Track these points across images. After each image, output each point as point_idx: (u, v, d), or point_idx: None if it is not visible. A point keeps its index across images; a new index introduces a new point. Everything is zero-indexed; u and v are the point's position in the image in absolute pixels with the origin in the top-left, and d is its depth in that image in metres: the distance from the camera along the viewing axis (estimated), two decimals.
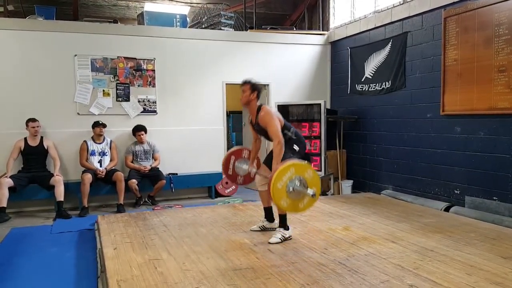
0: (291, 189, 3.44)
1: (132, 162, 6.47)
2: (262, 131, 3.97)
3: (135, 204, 6.36)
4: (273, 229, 4.15)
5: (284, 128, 3.88)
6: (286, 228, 3.91)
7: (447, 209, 5.21)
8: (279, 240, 3.80)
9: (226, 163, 4.38)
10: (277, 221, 4.13)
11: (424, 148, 5.87)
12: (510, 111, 4.65)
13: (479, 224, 4.42)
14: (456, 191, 5.39)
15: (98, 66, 6.51)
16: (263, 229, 4.22)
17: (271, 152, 3.95)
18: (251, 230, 4.24)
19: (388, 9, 6.64)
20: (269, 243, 3.76)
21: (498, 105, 4.79)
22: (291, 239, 3.89)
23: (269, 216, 4.23)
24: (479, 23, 4.98)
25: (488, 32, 4.86)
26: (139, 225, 4.52)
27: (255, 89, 3.89)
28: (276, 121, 3.80)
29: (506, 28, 4.65)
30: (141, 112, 6.76)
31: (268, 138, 3.94)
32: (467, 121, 5.23)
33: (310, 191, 3.48)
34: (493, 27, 4.80)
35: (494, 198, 4.88)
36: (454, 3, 5.34)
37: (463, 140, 5.28)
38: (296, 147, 3.89)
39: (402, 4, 6.37)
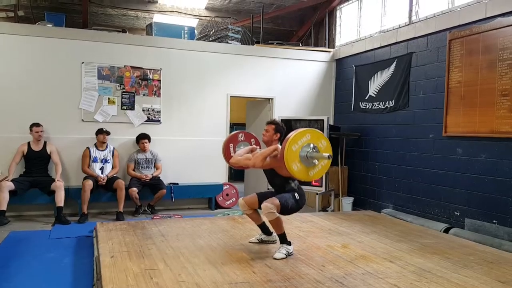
0: (305, 154, 3.58)
1: (133, 170, 6.48)
2: (271, 174, 3.94)
3: (135, 213, 6.36)
4: (271, 242, 4.18)
5: (289, 178, 3.87)
6: (288, 243, 3.91)
7: (446, 231, 5.19)
8: (284, 256, 3.79)
9: (227, 153, 4.44)
10: (274, 234, 4.13)
11: (426, 168, 5.87)
12: None
13: (478, 247, 4.39)
14: (456, 213, 5.37)
15: (104, 74, 6.57)
16: (261, 242, 4.23)
17: (272, 193, 3.95)
18: (249, 242, 4.25)
19: (393, 29, 6.71)
20: (274, 258, 3.75)
21: (500, 129, 4.80)
22: (292, 254, 3.89)
23: (265, 230, 4.24)
24: (484, 47, 5.02)
25: (492, 56, 4.90)
26: (137, 234, 4.52)
27: (278, 131, 3.93)
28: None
29: (510, 53, 4.69)
30: (145, 121, 6.81)
31: (277, 185, 3.94)
32: (469, 143, 5.24)
33: (325, 154, 3.63)
34: (497, 51, 4.84)
35: (494, 221, 4.86)
36: (459, 26, 5.39)
37: (465, 162, 5.28)
38: (297, 196, 3.88)
39: (408, 25, 6.44)
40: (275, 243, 4.12)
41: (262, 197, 3.93)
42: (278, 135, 3.92)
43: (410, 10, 6.46)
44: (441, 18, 5.76)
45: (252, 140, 4.64)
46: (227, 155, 4.49)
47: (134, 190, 6.17)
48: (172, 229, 4.77)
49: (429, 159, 5.82)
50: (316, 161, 3.70)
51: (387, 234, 4.83)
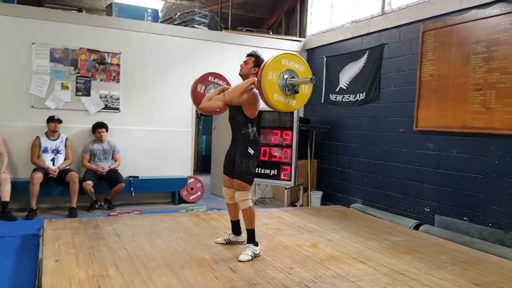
0: (284, 82, 3.38)
1: (89, 162, 6.03)
2: (236, 111, 3.68)
3: (90, 208, 5.93)
4: (239, 243, 3.90)
5: (252, 120, 3.66)
6: (256, 243, 3.64)
7: (416, 227, 5.07)
8: (250, 258, 3.51)
9: (196, 96, 4.19)
10: (244, 234, 3.88)
11: (396, 163, 5.73)
12: (485, 131, 4.53)
13: (450, 246, 4.27)
14: (426, 209, 5.26)
15: (57, 57, 6.05)
16: (228, 242, 3.94)
17: (232, 159, 3.71)
18: (215, 243, 3.94)
19: (366, 19, 6.51)
20: (240, 260, 3.47)
21: (473, 124, 4.67)
22: (259, 256, 3.61)
23: (236, 229, 3.96)
24: (458, 40, 4.88)
25: (466, 49, 4.75)
26: (88, 233, 4.12)
27: (258, 65, 3.60)
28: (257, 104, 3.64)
29: (485, 46, 4.55)
30: (102, 109, 6.33)
31: (236, 121, 3.70)
32: (440, 138, 5.11)
33: (307, 78, 3.44)
34: (471, 44, 4.69)
35: (465, 218, 4.76)
36: (433, 17, 5.23)
37: (436, 157, 5.16)
38: (251, 151, 3.63)
39: (381, 15, 6.25)
40: (243, 244, 3.82)
41: (229, 171, 3.77)
42: (257, 69, 3.60)
43: (383, 0, 6.26)
44: (414, 9, 5.59)
45: (224, 82, 4.35)
46: (196, 98, 4.18)
47: (89, 184, 5.73)
48: (128, 227, 4.39)
49: (399, 153, 5.68)
50: (297, 88, 3.46)
51: (357, 231, 4.66)
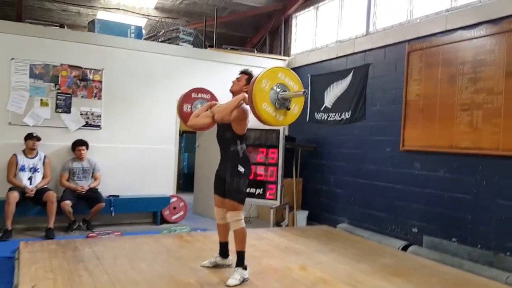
0: (276, 96, 3.32)
1: (68, 180, 5.82)
2: (225, 128, 3.59)
3: (68, 229, 5.67)
4: (226, 266, 3.76)
5: (241, 137, 3.57)
6: (244, 267, 3.50)
7: (404, 248, 5.01)
8: (238, 282, 3.37)
9: (183, 115, 4.14)
10: (231, 257, 3.74)
11: (382, 183, 5.69)
12: (472, 151, 4.54)
13: (440, 268, 4.22)
14: (413, 230, 5.21)
15: (37, 73, 5.87)
16: (215, 266, 3.78)
17: (222, 178, 3.61)
18: (201, 266, 3.78)
19: (350, 39, 6.55)
20: (227, 285, 3.32)
21: (459, 144, 4.68)
22: (248, 280, 3.47)
23: (224, 251, 3.81)
24: (444, 60, 4.92)
25: (452, 70, 4.79)
26: (67, 256, 3.91)
27: (249, 83, 3.51)
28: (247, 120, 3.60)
29: (471, 67, 4.59)
30: (83, 126, 6.15)
31: (224, 138, 3.61)
32: (427, 158, 5.10)
33: (300, 91, 3.38)
34: (458, 65, 4.73)
35: (453, 239, 4.72)
36: (418, 38, 5.27)
37: (423, 177, 5.13)
38: (241, 169, 3.53)
39: (365, 35, 6.30)
40: (231, 267, 3.68)
41: (220, 190, 3.66)
42: (248, 86, 3.51)
43: (368, 21, 6.32)
44: (399, 29, 5.65)
45: (208, 95, 4.29)
46: (184, 118, 4.13)
47: (67, 204, 5.50)
48: (109, 250, 4.19)
49: (386, 173, 5.64)
50: (288, 105, 3.38)
51: (346, 253, 4.56)
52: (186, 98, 4.23)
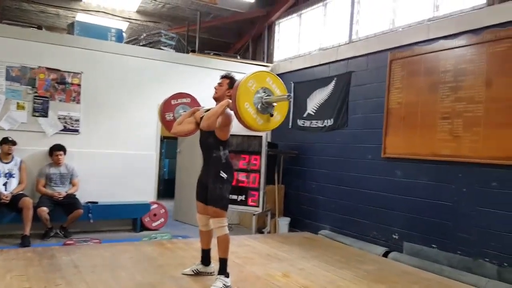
0: (261, 100, 3.27)
1: (44, 186, 5.66)
2: (208, 133, 3.54)
3: (44, 236, 5.52)
4: (208, 274, 3.69)
5: (224, 143, 3.54)
6: (227, 275, 3.44)
7: (385, 255, 5.03)
8: None
9: (166, 124, 4.07)
10: (213, 264, 3.69)
11: (364, 190, 5.71)
12: (453, 159, 4.60)
13: (421, 274, 4.24)
14: (394, 236, 5.24)
15: (14, 75, 5.71)
16: (197, 273, 3.71)
17: (204, 185, 3.55)
18: (182, 274, 3.70)
19: (333, 47, 6.59)
20: None
21: (441, 152, 4.73)
22: None
23: (206, 259, 3.75)
24: (425, 69, 4.99)
25: (434, 78, 4.86)
26: (43, 264, 3.78)
27: (231, 87, 3.45)
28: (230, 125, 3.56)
29: (452, 76, 4.66)
30: (61, 131, 6.00)
31: (207, 144, 3.56)
32: (408, 165, 5.14)
33: (284, 95, 3.33)
34: (439, 74, 4.80)
35: (433, 246, 4.76)
36: (400, 46, 5.34)
37: (404, 184, 5.18)
38: (223, 175, 3.49)
39: (348, 43, 6.35)
40: (213, 275, 3.62)
41: (202, 197, 3.59)
42: (230, 91, 3.46)
43: (351, 29, 6.38)
44: (382, 38, 5.71)
45: (188, 99, 4.24)
46: (167, 126, 4.07)
47: (44, 210, 5.35)
48: (87, 258, 4.07)
49: (367, 180, 5.67)
50: (271, 110, 3.34)
51: (328, 260, 4.54)
52: (167, 106, 4.16)
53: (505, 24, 4.20)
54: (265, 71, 3.51)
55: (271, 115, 3.38)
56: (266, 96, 3.32)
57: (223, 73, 3.75)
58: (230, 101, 3.34)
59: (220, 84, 3.59)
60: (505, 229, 4.13)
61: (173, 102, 4.20)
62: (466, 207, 4.47)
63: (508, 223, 4.10)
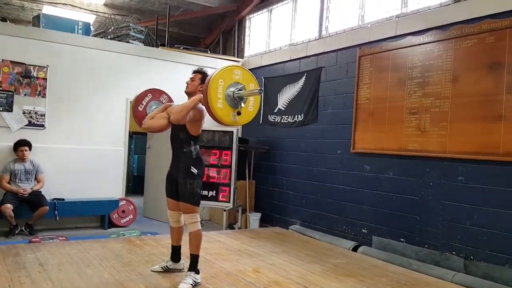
0: (232, 94, 3.29)
1: (9, 183, 5.51)
2: (179, 128, 3.50)
3: (9, 233, 5.38)
4: (178, 271, 3.66)
5: (195, 138, 3.51)
6: (197, 271, 3.42)
7: (355, 249, 5.11)
8: (190, 286, 3.28)
9: (138, 117, 4.07)
10: (183, 261, 3.66)
11: (333, 185, 5.78)
12: (420, 153, 4.70)
13: (389, 268, 4.31)
14: (363, 230, 5.33)
15: None
16: (166, 270, 3.67)
17: (174, 181, 3.51)
18: (152, 271, 3.66)
19: (303, 43, 6.62)
20: None
21: (408, 147, 4.83)
22: (200, 284, 3.39)
23: (175, 256, 3.70)
24: (393, 65, 5.07)
25: (402, 74, 4.95)
26: (7, 262, 3.66)
27: (203, 82, 3.42)
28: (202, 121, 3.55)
29: (419, 72, 4.76)
30: (26, 125, 5.83)
31: (178, 138, 3.52)
32: (377, 160, 5.23)
33: (255, 90, 3.37)
34: (407, 70, 4.90)
35: (402, 239, 4.86)
36: (369, 42, 5.41)
37: (372, 179, 5.27)
38: (194, 170, 3.46)
39: (318, 39, 6.39)
40: (182, 271, 3.59)
41: (172, 193, 3.57)
42: (202, 86, 3.43)
43: (321, 25, 6.42)
44: (351, 34, 5.77)
45: (163, 96, 4.23)
46: (137, 117, 4.07)
47: (9, 207, 5.22)
48: (53, 255, 3.96)
49: (337, 175, 5.74)
50: (242, 104, 3.36)
51: (298, 254, 4.58)
52: (139, 99, 4.14)
53: (472, 20, 4.30)
54: (235, 66, 3.53)
55: (239, 114, 3.36)
56: (238, 90, 3.31)
57: (193, 67, 3.71)
58: (202, 96, 3.31)
59: (192, 79, 3.55)
60: (471, 222, 4.24)
61: (148, 95, 4.19)
62: (433, 201, 4.59)
63: (473, 217, 4.23)
